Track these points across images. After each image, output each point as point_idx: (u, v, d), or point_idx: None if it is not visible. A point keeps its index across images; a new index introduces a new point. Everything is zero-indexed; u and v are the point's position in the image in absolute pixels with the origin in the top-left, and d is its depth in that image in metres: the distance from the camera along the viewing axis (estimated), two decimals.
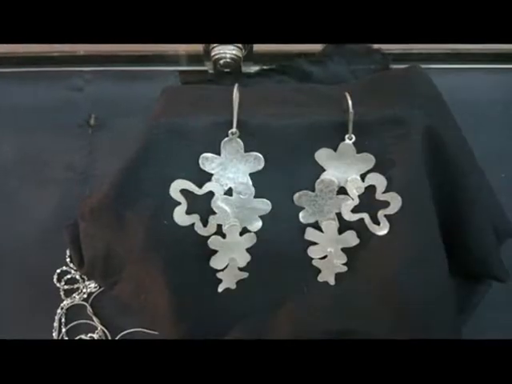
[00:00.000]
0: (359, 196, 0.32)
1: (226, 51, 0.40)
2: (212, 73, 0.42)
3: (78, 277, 0.39)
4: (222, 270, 0.33)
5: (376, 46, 0.41)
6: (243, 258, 0.33)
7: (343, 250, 0.33)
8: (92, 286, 0.38)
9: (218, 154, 0.32)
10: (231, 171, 0.32)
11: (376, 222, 0.32)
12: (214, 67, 0.41)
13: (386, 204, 0.32)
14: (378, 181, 0.32)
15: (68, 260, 0.38)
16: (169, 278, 0.33)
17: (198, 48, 0.42)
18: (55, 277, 0.39)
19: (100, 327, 0.38)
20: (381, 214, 0.32)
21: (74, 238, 0.37)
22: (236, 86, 0.32)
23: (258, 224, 0.33)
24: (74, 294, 0.38)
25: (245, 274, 0.34)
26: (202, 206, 0.32)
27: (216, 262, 0.33)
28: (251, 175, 0.32)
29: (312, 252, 0.34)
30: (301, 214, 0.33)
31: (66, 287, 0.38)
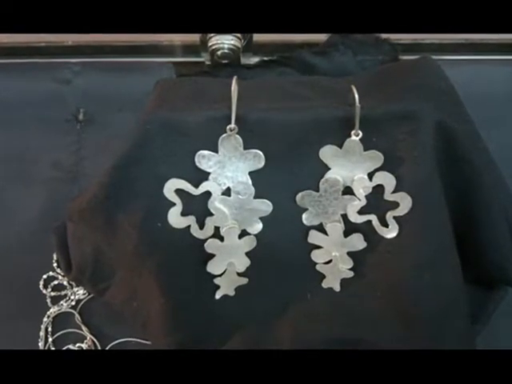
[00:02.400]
0: (366, 196, 0.32)
1: (224, 41, 0.40)
2: (209, 64, 0.42)
3: (65, 283, 0.39)
4: (220, 275, 0.33)
5: (384, 35, 0.41)
6: (242, 263, 0.33)
7: (349, 254, 0.33)
8: (81, 292, 0.38)
9: (216, 151, 0.32)
10: (229, 170, 0.32)
11: (384, 224, 0.32)
12: (211, 58, 0.41)
13: (395, 205, 0.32)
14: (387, 180, 0.32)
15: (55, 265, 0.38)
16: (163, 283, 0.33)
17: (194, 38, 0.42)
18: (41, 283, 0.38)
19: (89, 336, 0.38)
20: (389, 215, 0.32)
21: (61, 240, 0.37)
22: (234, 78, 0.32)
23: (258, 226, 0.33)
24: (61, 302, 0.38)
25: (244, 280, 0.34)
26: (198, 206, 0.32)
27: (213, 267, 0.33)
28: (251, 174, 0.32)
29: (316, 256, 0.34)
30: (304, 216, 0.33)
31: (52, 294, 0.38)
